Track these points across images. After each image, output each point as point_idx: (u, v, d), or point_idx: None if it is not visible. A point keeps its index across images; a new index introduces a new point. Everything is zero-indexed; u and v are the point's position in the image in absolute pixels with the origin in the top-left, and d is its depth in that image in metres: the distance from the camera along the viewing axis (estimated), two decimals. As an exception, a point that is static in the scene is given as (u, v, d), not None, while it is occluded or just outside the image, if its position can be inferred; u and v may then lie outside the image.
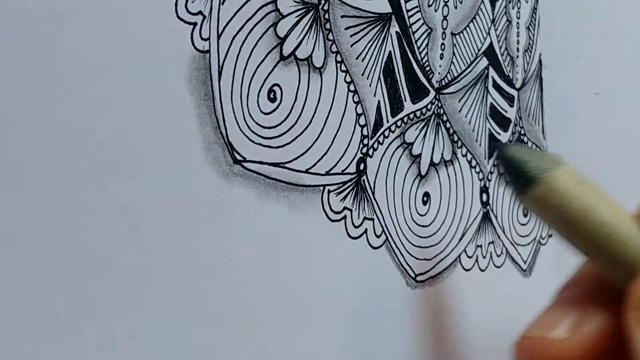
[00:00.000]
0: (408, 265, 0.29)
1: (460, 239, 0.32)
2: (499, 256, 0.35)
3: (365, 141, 0.28)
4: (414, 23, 0.30)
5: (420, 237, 0.30)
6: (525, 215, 0.37)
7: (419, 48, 0.31)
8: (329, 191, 0.26)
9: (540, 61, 0.38)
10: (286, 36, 0.25)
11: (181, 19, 0.22)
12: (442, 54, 0.32)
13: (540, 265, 0.37)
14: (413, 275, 0.30)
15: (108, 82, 0.20)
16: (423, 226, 0.31)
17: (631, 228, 0.24)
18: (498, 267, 0.35)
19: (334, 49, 0.27)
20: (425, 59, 0.31)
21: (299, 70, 0.25)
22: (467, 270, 0.33)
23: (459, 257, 0.32)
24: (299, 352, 0.25)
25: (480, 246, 0.33)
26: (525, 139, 0.37)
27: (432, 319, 0.30)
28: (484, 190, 0.34)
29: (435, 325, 0.30)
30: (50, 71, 0.19)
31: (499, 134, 0.35)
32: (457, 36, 0.33)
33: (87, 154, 0.20)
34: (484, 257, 0.34)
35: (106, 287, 0.20)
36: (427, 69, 0.31)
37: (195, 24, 0.22)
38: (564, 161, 0.26)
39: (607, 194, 0.25)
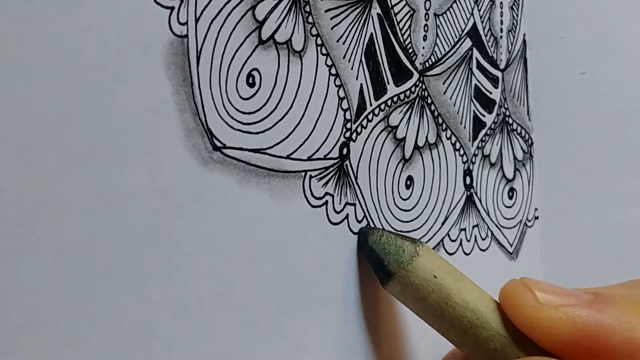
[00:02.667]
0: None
1: (443, 223, 0.32)
2: (484, 239, 0.35)
3: (349, 125, 0.28)
4: (396, 4, 0.30)
5: (403, 221, 0.30)
6: (510, 198, 0.37)
7: (401, 30, 0.30)
8: (311, 177, 0.26)
9: (524, 41, 0.38)
10: (265, 19, 0.24)
11: (158, 3, 0.22)
12: (425, 36, 0.32)
13: (527, 248, 0.37)
14: (395, 261, 0.30)
15: (83, 69, 0.20)
16: (406, 210, 0.30)
17: (491, 320, 0.25)
18: (483, 250, 0.35)
19: (314, 32, 0.26)
20: (408, 40, 0.31)
21: (278, 54, 0.25)
22: (450, 254, 0.33)
23: (442, 241, 0.32)
24: (281, 339, 0.25)
25: (464, 229, 0.33)
26: (511, 120, 0.37)
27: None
28: (468, 173, 0.34)
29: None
30: (24, 59, 0.19)
31: (483, 115, 0.35)
32: (440, 17, 0.32)
33: (63, 143, 0.20)
34: (468, 241, 0.34)
35: (85, 278, 0.20)
36: (410, 51, 0.31)
37: (172, 8, 0.22)
38: (423, 250, 0.26)
39: (468, 283, 0.26)
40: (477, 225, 0.34)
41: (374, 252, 0.27)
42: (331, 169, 0.27)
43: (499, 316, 0.25)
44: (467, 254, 0.34)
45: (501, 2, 0.36)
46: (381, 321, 0.29)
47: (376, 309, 0.29)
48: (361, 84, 0.28)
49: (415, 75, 0.31)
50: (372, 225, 0.29)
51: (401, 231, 0.30)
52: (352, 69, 0.28)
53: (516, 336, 0.25)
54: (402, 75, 0.30)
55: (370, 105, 0.29)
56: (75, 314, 0.20)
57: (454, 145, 0.33)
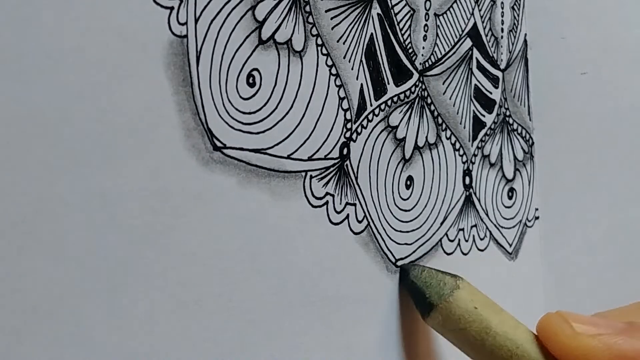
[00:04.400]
0: (389, 250, 0.29)
1: (441, 223, 0.32)
2: (482, 239, 0.35)
3: (349, 125, 0.28)
4: (396, 4, 0.30)
5: (402, 221, 0.30)
6: (510, 198, 0.37)
7: (401, 30, 0.30)
8: (311, 177, 0.26)
9: (525, 41, 0.38)
10: (265, 19, 0.24)
11: (157, 3, 0.22)
12: (425, 36, 0.32)
13: (526, 248, 0.37)
14: (393, 260, 0.30)
15: (83, 69, 0.20)
16: (405, 210, 0.30)
17: (530, 349, 0.26)
18: (482, 250, 0.35)
19: (314, 32, 0.26)
20: (408, 40, 0.31)
21: (279, 54, 0.25)
22: (448, 254, 0.33)
23: (440, 241, 0.32)
24: (281, 339, 0.25)
25: (462, 229, 0.33)
26: (511, 120, 0.37)
27: (411, 304, 0.30)
28: (467, 173, 0.34)
29: (415, 311, 0.30)
30: (24, 59, 0.19)
31: (483, 115, 0.35)
32: (441, 17, 0.32)
33: (63, 143, 0.20)
34: (466, 241, 0.34)
35: (85, 278, 0.20)
36: (410, 51, 0.31)
37: (172, 8, 0.22)
38: (463, 283, 0.28)
39: (507, 314, 0.27)
40: (475, 225, 0.34)
41: (416, 286, 0.28)
42: (331, 169, 0.27)
43: (536, 346, 0.26)
44: (465, 254, 0.34)
45: (502, 2, 0.36)
46: (379, 321, 0.29)
47: (374, 308, 0.29)
48: (361, 84, 0.28)
49: (415, 75, 0.31)
50: (371, 225, 0.29)
51: (400, 231, 0.30)
52: (352, 69, 0.28)
53: None
54: (402, 75, 0.30)
55: (371, 105, 0.29)
56: (75, 314, 0.20)
57: (453, 145, 0.33)
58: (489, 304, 0.28)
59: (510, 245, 0.37)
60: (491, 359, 0.27)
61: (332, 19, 0.27)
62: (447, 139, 0.33)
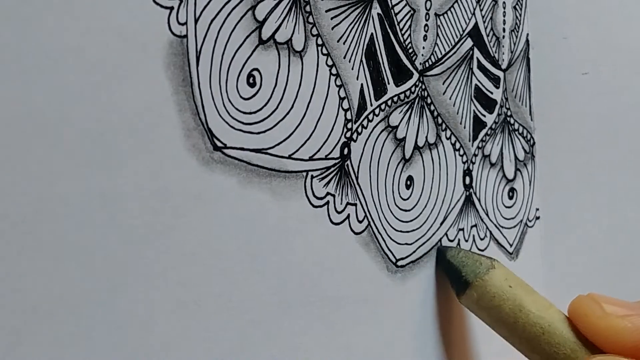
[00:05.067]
0: (389, 250, 0.29)
1: (441, 223, 0.32)
2: (482, 239, 0.35)
3: (349, 125, 0.28)
4: (397, 4, 0.30)
5: (402, 221, 0.30)
6: (510, 198, 0.37)
7: (401, 30, 0.30)
8: (312, 177, 0.26)
9: (527, 41, 0.38)
10: (265, 19, 0.24)
11: (157, 3, 0.22)
12: (425, 36, 0.31)
13: (527, 248, 0.37)
14: (394, 260, 0.30)
15: (83, 69, 0.20)
16: (405, 210, 0.30)
17: (562, 328, 0.27)
18: (482, 250, 0.35)
19: (314, 32, 0.26)
20: (408, 40, 0.31)
21: (279, 54, 0.25)
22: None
23: (440, 241, 0.32)
24: (281, 339, 0.25)
25: (462, 229, 0.33)
26: (512, 120, 0.37)
27: (412, 304, 0.30)
28: (467, 173, 0.34)
29: (415, 311, 0.30)
30: (24, 59, 0.19)
31: (484, 115, 0.35)
32: (441, 17, 0.32)
33: (63, 143, 0.20)
34: (466, 241, 0.34)
35: (85, 278, 0.20)
36: (410, 51, 0.31)
37: (171, 8, 0.22)
38: (498, 264, 0.29)
39: (539, 295, 0.28)
40: (475, 225, 0.34)
41: (452, 265, 0.30)
42: (332, 169, 0.27)
43: (568, 325, 0.27)
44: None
45: (504, 2, 0.36)
46: (379, 321, 0.29)
47: (374, 308, 0.29)
48: (362, 84, 0.28)
49: (415, 75, 0.31)
50: (372, 225, 0.29)
51: (401, 231, 0.30)
52: (352, 69, 0.28)
53: (585, 343, 0.27)
54: (402, 75, 0.30)
55: (371, 105, 0.29)
56: (75, 314, 0.20)
57: (453, 145, 0.33)
58: (523, 284, 0.28)
59: (511, 245, 0.36)
60: (523, 336, 0.27)
61: (332, 19, 0.27)
62: (447, 139, 0.33)
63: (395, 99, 0.30)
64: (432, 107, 0.32)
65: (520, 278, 0.29)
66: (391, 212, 0.30)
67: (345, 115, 0.28)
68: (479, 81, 0.35)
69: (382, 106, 0.29)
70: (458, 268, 0.29)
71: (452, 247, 0.31)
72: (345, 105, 0.28)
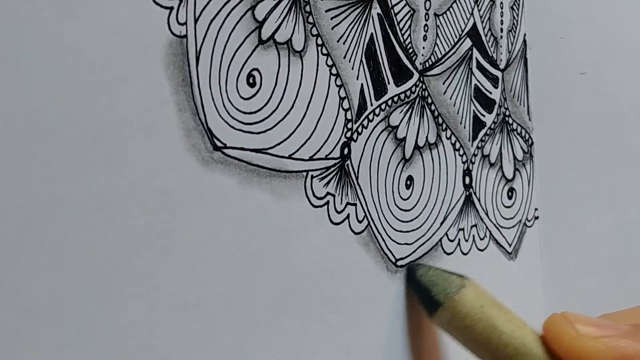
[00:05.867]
0: (389, 249, 0.29)
1: (442, 223, 0.32)
2: (482, 239, 0.35)
3: (350, 125, 0.28)
4: (396, 4, 0.30)
5: (402, 221, 0.30)
6: (509, 198, 0.37)
7: (401, 30, 0.30)
8: (312, 177, 0.26)
9: (525, 41, 0.38)
10: (264, 19, 0.24)
11: (157, 3, 0.21)
12: (425, 36, 0.32)
13: (526, 248, 0.37)
14: (393, 260, 0.30)
15: (83, 69, 0.20)
16: (405, 210, 0.30)
17: (535, 348, 0.26)
18: (481, 250, 0.35)
19: (314, 32, 0.26)
20: (408, 40, 0.31)
21: (279, 54, 0.25)
22: (448, 254, 0.33)
23: (440, 240, 0.32)
24: (281, 339, 0.25)
25: (463, 229, 0.33)
26: (511, 120, 0.37)
27: (412, 304, 0.30)
28: (467, 172, 0.34)
29: (415, 311, 0.30)
30: (24, 59, 0.19)
31: (483, 115, 0.35)
32: (441, 17, 0.32)
33: (63, 143, 0.20)
34: (466, 241, 0.34)
35: (85, 278, 0.20)
36: (410, 51, 0.31)
37: (171, 8, 0.22)
38: (469, 282, 0.28)
39: (512, 314, 0.28)
40: (475, 225, 0.34)
41: (422, 284, 0.28)
42: (332, 169, 0.27)
43: (541, 346, 0.27)
44: (465, 254, 0.34)
45: (501, 2, 0.36)
46: (379, 321, 0.29)
47: (374, 308, 0.29)
48: (362, 84, 0.28)
49: (416, 75, 0.31)
50: (371, 224, 0.29)
51: (401, 231, 0.30)
52: (352, 69, 0.28)
53: None
54: (403, 75, 0.30)
55: (371, 105, 0.29)
56: (75, 314, 0.20)
57: (453, 145, 0.33)
58: (495, 303, 0.28)
59: (510, 245, 0.37)
60: (496, 358, 0.27)
61: (332, 19, 0.27)
62: (447, 138, 0.33)
63: (395, 99, 0.30)
64: (433, 107, 0.32)
65: (493, 296, 0.28)
66: (391, 212, 0.30)
67: (345, 115, 0.28)
68: (478, 81, 0.35)
69: (383, 106, 0.29)
70: (428, 287, 0.28)
71: (422, 265, 0.30)
72: (346, 105, 0.28)
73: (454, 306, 0.27)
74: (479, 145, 0.35)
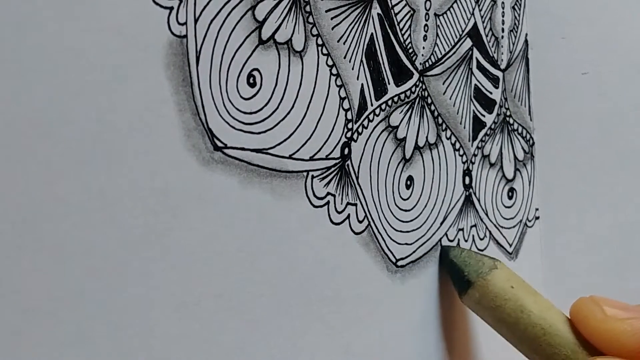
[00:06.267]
0: (389, 249, 0.29)
1: (441, 223, 0.32)
2: (482, 239, 0.35)
3: (350, 125, 0.28)
4: (396, 4, 0.30)
5: (402, 221, 0.30)
6: (510, 198, 0.37)
7: (401, 30, 0.30)
8: (313, 177, 0.26)
9: (526, 41, 0.38)
10: (265, 19, 0.24)
11: (157, 3, 0.21)
12: (425, 36, 0.32)
13: (527, 248, 0.37)
14: (394, 260, 0.30)
15: (83, 69, 0.20)
16: (405, 210, 0.30)
17: (563, 329, 0.27)
18: (481, 250, 0.35)
19: (314, 32, 0.26)
20: (408, 40, 0.31)
21: (279, 54, 0.25)
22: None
23: (440, 240, 0.32)
24: (281, 339, 0.25)
25: (462, 229, 0.33)
26: (511, 120, 0.37)
27: (412, 304, 0.30)
28: (467, 173, 0.34)
29: (415, 311, 0.30)
30: (24, 59, 0.19)
31: (483, 115, 0.35)
32: (441, 17, 0.32)
33: (63, 143, 0.20)
34: (466, 241, 0.34)
35: (85, 278, 0.20)
36: (410, 51, 0.31)
37: (171, 8, 0.22)
38: (500, 264, 0.29)
39: (541, 296, 0.28)
40: (475, 225, 0.34)
41: (455, 265, 0.30)
42: (333, 169, 0.27)
43: (569, 326, 0.27)
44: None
45: (503, 2, 0.36)
46: (379, 321, 0.29)
47: (374, 308, 0.29)
48: (362, 84, 0.28)
49: (416, 76, 0.31)
50: (372, 225, 0.29)
51: (401, 231, 0.30)
52: (352, 69, 0.28)
53: (586, 345, 0.27)
54: (403, 75, 0.30)
55: (371, 105, 0.29)
56: (75, 314, 0.20)
57: (453, 145, 0.33)
58: (525, 285, 0.28)
59: (511, 245, 0.36)
60: (524, 337, 0.27)
61: (332, 19, 0.27)
62: (447, 139, 0.33)
63: (395, 99, 0.30)
64: (433, 107, 0.32)
65: (522, 279, 0.29)
66: (391, 212, 0.30)
67: (345, 115, 0.28)
68: (478, 81, 0.35)
69: (383, 106, 0.29)
70: (460, 267, 0.29)
71: (455, 246, 0.31)
72: (346, 105, 0.28)
73: (485, 285, 0.28)
74: (479, 145, 0.35)
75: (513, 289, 0.28)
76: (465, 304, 0.29)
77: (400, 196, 0.30)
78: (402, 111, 0.30)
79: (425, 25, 0.31)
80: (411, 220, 0.31)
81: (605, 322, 0.26)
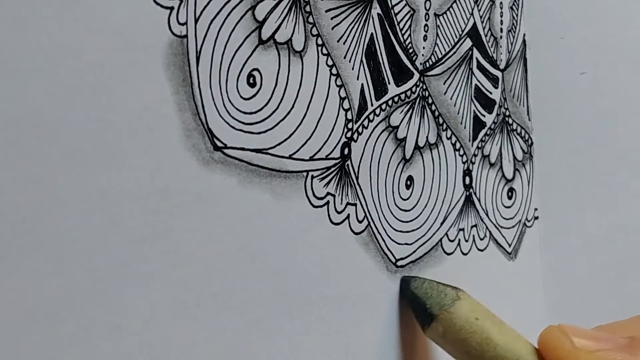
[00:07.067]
0: (389, 250, 0.29)
1: (442, 223, 0.32)
2: (482, 239, 0.35)
3: (350, 125, 0.28)
4: (396, 4, 0.30)
5: (402, 221, 0.30)
6: (509, 198, 0.37)
7: (401, 30, 0.30)
8: (313, 177, 0.26)
9: (524, 41, 0.38)
10: (265, 19, 0.24)
11: (157, 3, 0.21)
12: (425, 36, 0.32)
13: (526, 248, 0.37)
14: (393, 260, 0.30)
15: (83, 69, 0.20)
16: (405, 210, 0.30)
17: (530, 359, 0.26)
18: (481, 250, 0.35)
19: (314, 32, 0.26)
20: (409, 40, 0.31)
21: (279, 54, 0.25)
22: (448, 254, 0.33)
23: (441, 241, 0.32)
24: (281, 339, 0.25)
25: (463, 229, 0.33)
26: (511, 120, 0.37)
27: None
28: (467, 173, 0.34)
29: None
30: (23, 59, 0.19)
31: (483, 115, 0.35)
32: (441, 17, 0.32)
33: (63, 143, 0.19)
34: (466, 241, 0.34)
35: (85, 278, 0.20)
36: (411, 51, 0.31)
37: (172, 8, 0.22)
38: (463, 295, 0.28)
39: (507, 327, 0.27)
40: (475, 225, 0.34)
41: (417, 297, 0.28)
42: (333, 169, 0.27)
43: (536, 358, 0.27)
44: (465, 254, 0.34)
45: (501, 2, 0.36)
46: (379, 321, 0.29)
47: (374, 309, 0.29)
48: (362, 84, 0.28)
49: (416, 75, 0.31)
50: (371, 225, 0.29)
51: (401, 231, 0.30)
52: (352, 69, 0.28)
53: None
54: (403, 75, 0.30)
55: (372, 105, 0.29)
56: (75, 314, 0.20)
57: (454, 145, 0.33)
58: (490, 315, 0.28)
59: (510, 245, 0.37)
60: None
61: (332, 19, 0.27)
62: (448, 139, 0.33)
63: (395, 99, 0.30)
64: (433, 107, 0.32)
65: (487, 308, 0.28)
66: (391, 212, 0.30)
67: (345, 115, 0.28)
68: (478, 81, 0.35)
69: (383, 106, 0.29)
70: (422, 300, 0.28)
71: (416, 277, 0.29)
72: (346, 105, 0.28)
73: (449, 319, 0.27)
74: (479, 145, 0.35)
75: (478, 321, 0.27)
76: (428, 337, 0.28)
77: (400, 196, 0.30)
78: (402, 111, 0.30)
79: (425, 25, 0.31)
80: (411, 221, 0.31)
81: (574, 355, 0.26)
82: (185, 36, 0.22)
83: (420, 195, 0.31)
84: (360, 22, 0.28)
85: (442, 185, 0.32)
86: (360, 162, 0.28)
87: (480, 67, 0.35)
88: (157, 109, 0.21)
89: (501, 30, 0.36)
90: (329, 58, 0.27)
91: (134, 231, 0.21)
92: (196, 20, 0.22)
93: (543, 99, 0.39)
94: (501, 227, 0.36)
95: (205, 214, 0.23)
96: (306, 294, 0.26)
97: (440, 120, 0.32)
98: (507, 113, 0.37)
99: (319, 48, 0.27)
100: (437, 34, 0.32)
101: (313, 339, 0.26)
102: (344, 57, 0.27)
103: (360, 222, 0.28)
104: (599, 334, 0.26)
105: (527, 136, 0.38)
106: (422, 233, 0.31)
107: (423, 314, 0.28)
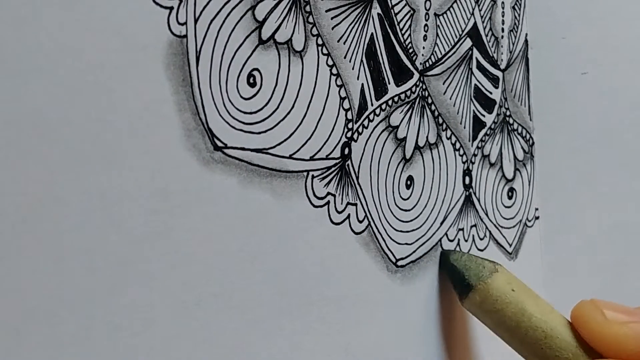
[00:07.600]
0: (389, 249, 0.29)
1: (441, 223, 0.32)
2: (482, 239, 0.35)
3: (350, 125, 0.28)
4: (396, 4, 0.30)
5: (403, 221, 0.30)
6: (510, 198, 0.37)
7: (401, 30, 0.30)
8: (313, 177, 0.26)
9: (526, 41, 0.38)
10: (265, 19, 0.24)
11: (157, 3, 0.21)
12: (425, 36, 0.32)
13: (526, 248, 0.37)
14: (394, 260, 0.30)
15: (83, 69, 0.20)
16: (405, 210, 0.30)
17: (564, 332, 0.27)
18: (481, 250, 0.35)
19: (314, 32, 0.26)
20: (409, 40, 0.31)
21: (279, 54, 0.25)
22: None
23: (440, 240, 0.32)
24: (281, 339, 0.25)
25: (462, 229, 0.33)
26: (511, 120, 0.37)
27: (412, 304, 0.30)
28: (467, 172, 0.34)
29: (415, 311, 0.30)
30: (23, 59, 0.19)
31: (483, 115, 0.35)
32: (441, 17, 0.32)
33: (63, 143, 0.20)
34: (466, 241, 0.34)
35: (85, 278, 0.20)
36: (411, 50, 0.31)
37: (171, 8, 0.22)
38: (501, 268, 0.29)
39: (542, 300, 0.28)
40: (475, 225, 0.34)
41: (456, 269, 0.30)
42: (333, 169, 0.27)
43: (569, 330, 0.27)
44: (465, 254, 0.34)
45: (503, 2, 0.36)
46: (379, 321, 0.29)
47: (374, 308, 0.29)
48: (362, 84, 0.28)
49: (416, 75, 0.31)
50: (372, 224, 0.29)
51: (401, 231, 0.30)
52: (353, 69, 0.28)
53: (586, 349, 0.27)
54: (403, 75, 0.30)
55: (372, 105, 0.29)
56: (75, 314, 0.20)
57: (454, 145, 0.33)
58: (526, 288, 0.28)
59: (510, 245, 0.37)
60: (525, 340, 0.27)
61: (332, 18, 0.27)
62: (448, 138, 0.33)
63: (395, 99, 0.30)
64: (433, 107, 0.32)
65: (523, 282, 0.29)
66: (391, 212, 0.30)
67: (345, 115, 0.28)
68: (478, 81, 0.35)
69: (383, 106, 0.29)
70: (461, 271, 0.29)
71: (456, 250, 0.31)
72: (346, 105, 0.28)
73: (486, 289, 0.28)
74: (479, 145, 0.35)
75: (514, 292, 0.28)
76: (465, 307, 0.29)
77: (401, 196, 0.30)
78: (402, 111, 0.30)
79: (425, 25, 0.31)
80: (411, 220, 0.31)
81: (606, 326, 0.26)
82: (185, 36, 0.22)
83: (420, 195, 0.31)
84: (360, 22, 0.28)
85: (442, 185, 0.32)
86: (360, 162, 0.28)
87: (480, 67, 0.35)
88: (157, 109, 0.21)
89: (502, 30, 0.36)
90: (329, 58, 0.27)
91: (134, 231, 0.21)
92: (196, 20, 0.22)
93: (544, 99, 0.39)
94: (501, 227, 0.36)
95: (205, 214, 0.23)
96: (306, 294, 0.26)
97: (440, 120, 0.32)
98: (508, 113, 0.37)
99: (319, 48, 0.27)
100: (437, 34, 0.32)
101: (313, 339, 0.26)
102: (344, 57, 0.27)
103: (360, 222, 0.28)
104: (629, 307, 0.27)
105: (528, 136, 0.38)
106: (422, 233, 0.31)
107: (461, 284, 0.29)
